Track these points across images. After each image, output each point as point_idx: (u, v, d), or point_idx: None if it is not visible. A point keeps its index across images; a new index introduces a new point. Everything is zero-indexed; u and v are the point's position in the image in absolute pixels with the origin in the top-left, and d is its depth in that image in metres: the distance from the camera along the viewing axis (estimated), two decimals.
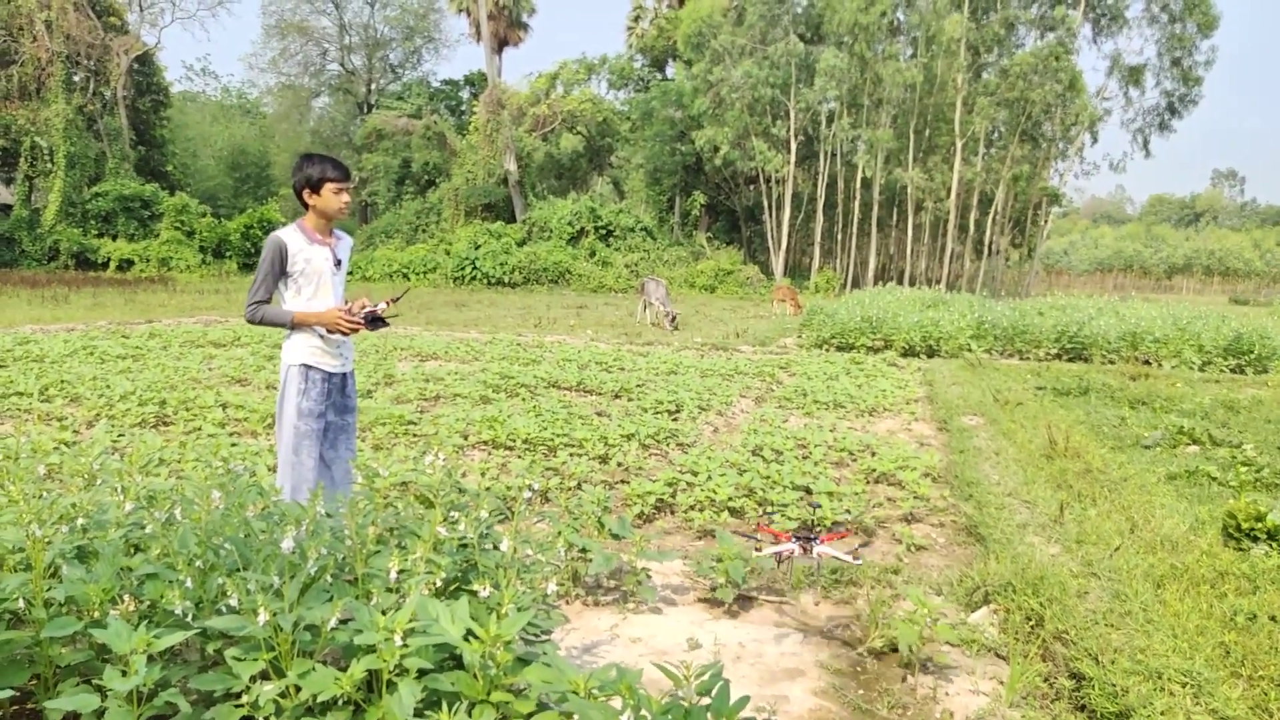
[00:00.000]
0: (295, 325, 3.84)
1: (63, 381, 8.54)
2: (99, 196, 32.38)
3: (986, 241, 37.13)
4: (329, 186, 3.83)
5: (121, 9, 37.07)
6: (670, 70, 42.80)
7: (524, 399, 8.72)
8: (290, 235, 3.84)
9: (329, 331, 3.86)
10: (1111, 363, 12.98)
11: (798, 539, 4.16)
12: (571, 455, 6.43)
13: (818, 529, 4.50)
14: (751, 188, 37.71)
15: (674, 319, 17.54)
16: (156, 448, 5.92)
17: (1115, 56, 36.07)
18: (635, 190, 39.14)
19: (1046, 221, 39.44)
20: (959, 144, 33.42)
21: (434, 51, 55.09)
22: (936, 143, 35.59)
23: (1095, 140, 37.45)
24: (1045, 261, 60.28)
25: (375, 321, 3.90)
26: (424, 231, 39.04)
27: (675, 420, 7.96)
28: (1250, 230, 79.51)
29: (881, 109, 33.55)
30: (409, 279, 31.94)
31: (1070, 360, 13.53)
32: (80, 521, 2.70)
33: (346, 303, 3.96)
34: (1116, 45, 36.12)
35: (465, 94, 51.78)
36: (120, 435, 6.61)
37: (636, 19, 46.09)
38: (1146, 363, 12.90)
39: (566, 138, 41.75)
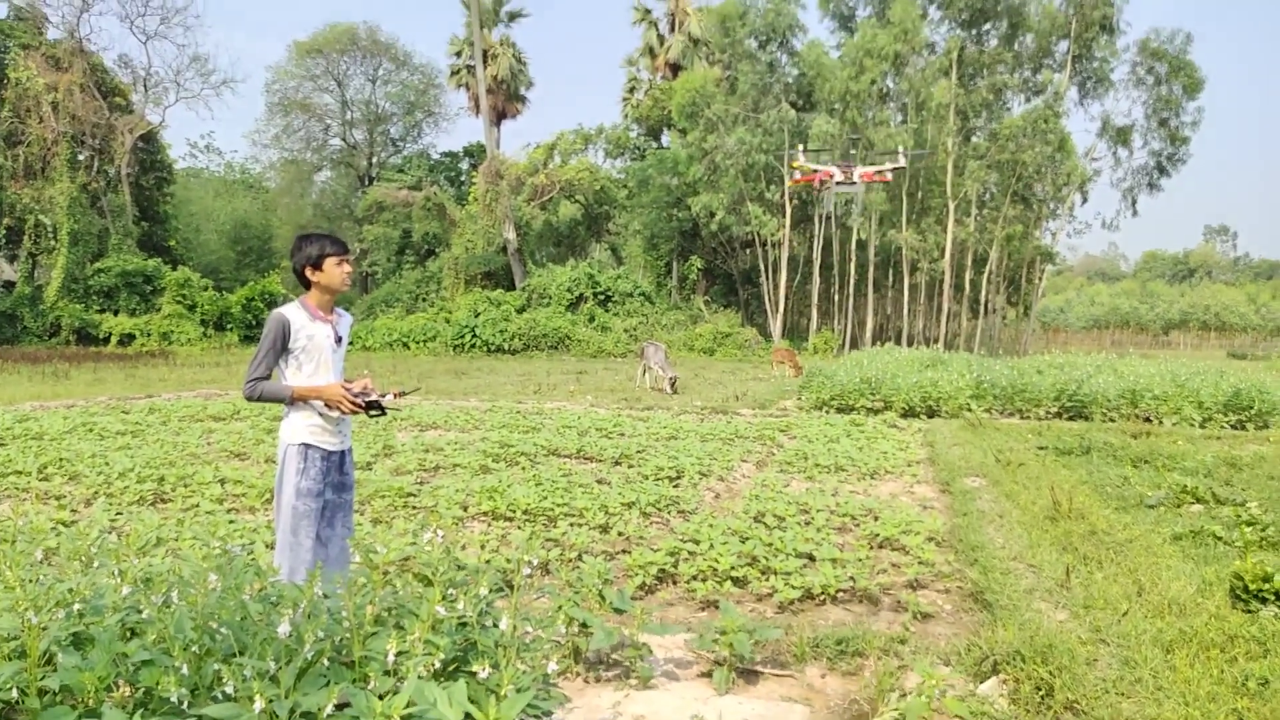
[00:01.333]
0: (295, 400, 3.84)
1: (61, 459, 8.52)
2: (101, 272, 32.71)
3: (982, 300, 37.41)
4: (330, 261, 3.89)
5: (127, 89, 37.94)
6: (665, 139, 43.66)
7: (524, 468, 8.69)
8: (293, 312, 3.88)
9: (328, 407, 3.86)
10: (1112, 420, 12.95)
11: (839, 166, 4.13)
12: (572, 525, 6.39)
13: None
14: (748, 251, 38.14)
15: (674, 382, 17.58)
16: (154, 526, 5.89)
17: (1104, 118, 36.85)
18: (633, 256, 39.60)
19: (1041, 279, 39.80)
20: (951, 205, 33.90)
21: (434, 125, 56.12)
22: (929, 204, 36.08)
23: (1085, 200, 38.04)
24: (1042, 319, 60.59)
25: (374, 407, 3.91)
26: (424, 300, 39.35)
27: (676, 487, 7.92)
28: (1244, 285, 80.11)
29: None
30: (409, 348, 32.07)
31: (1071, 419, 13.51)
32: (76, 606, 2.68)
33: (348, 380, 3.98)
34: (1104, 107, 36.91)
35: (465, 165, 52.73)
36: (118, 514, 6.57)
37: (632, 90, 47.20)
38: (1147, 420, 12.88)
39: (564, 206, 42.37)
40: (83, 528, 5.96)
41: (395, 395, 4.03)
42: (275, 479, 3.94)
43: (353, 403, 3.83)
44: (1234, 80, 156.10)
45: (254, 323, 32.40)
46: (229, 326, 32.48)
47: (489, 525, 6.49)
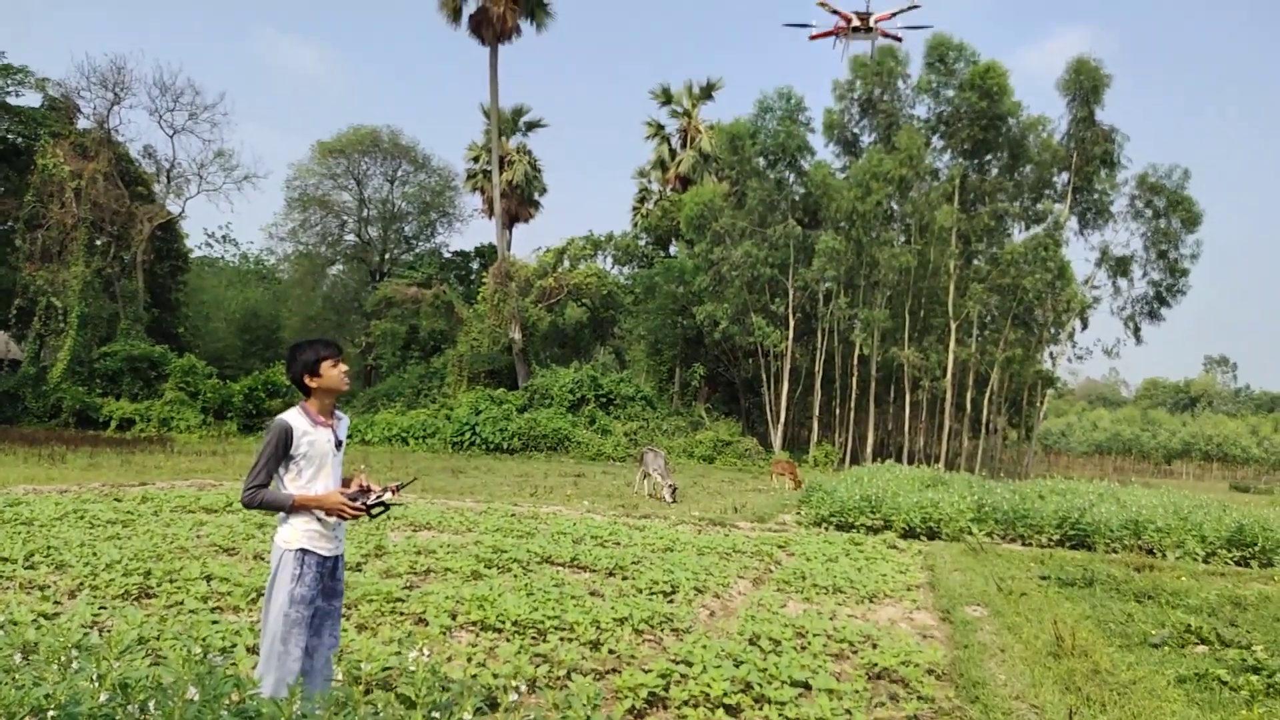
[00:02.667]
0: (295, 510, 3.81)
1: (49, 547, 8.40)
2: (107, 356, 32.93)
3: (984, 420, 37.39)
4: (326, 364, 3.95)
5: (150, 179, 39.00)
6: (673, 248, 44.51)
7: (516, 575, 8.54)
8: (295, 418, 3.90)
9: (327, 515, 3.84)
10: (1115, 551, 12.77)
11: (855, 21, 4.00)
12: (562, 640, 6.24)
13: None
14: (750, 361, 38.39)
15: (674, 491, 17.44)
16: (137, 624, 5.76)
17: (1103, 248, 37.60)
18: (637, 360, 39.88)
19: (1042, 403, 39.86)
20: (953, 325, 34.29)
21: (448, 225, 57.40)
22: (931, 323, 36.50)
23: (1086, 326, 38.50)
24: (1044, 442, 60.46)
25: (376, 506, 3.89)
26: (426, 396, 39.42)
27: (671, 602, 7.76)
28: (1245, 416, 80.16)
29: (877, 290, 34.65)
30: (408, 443, 31.95)
31: (1073, 547, 13.32)
32: (52, 714, 2.61)
33: (346, 482, 3.97)
34: (1103, 237, 37.64)
35: (475, 264, 53.66)
36: (101, 608, 6.44)
37: (642, 200, 48.45)
38: (1150, 552, 12.69)
39: (571, 308, 42.93)
40: (64, 622, 5.83)
41: (393, 490, 4.00)
42: (267, 583, 3.88)
43: (354, 509, 3.81)
44: (1232, 214, 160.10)
45: (255, 412, 32.39)
46: (230, 415, 32.44)
47: (477, 636, 6.34)
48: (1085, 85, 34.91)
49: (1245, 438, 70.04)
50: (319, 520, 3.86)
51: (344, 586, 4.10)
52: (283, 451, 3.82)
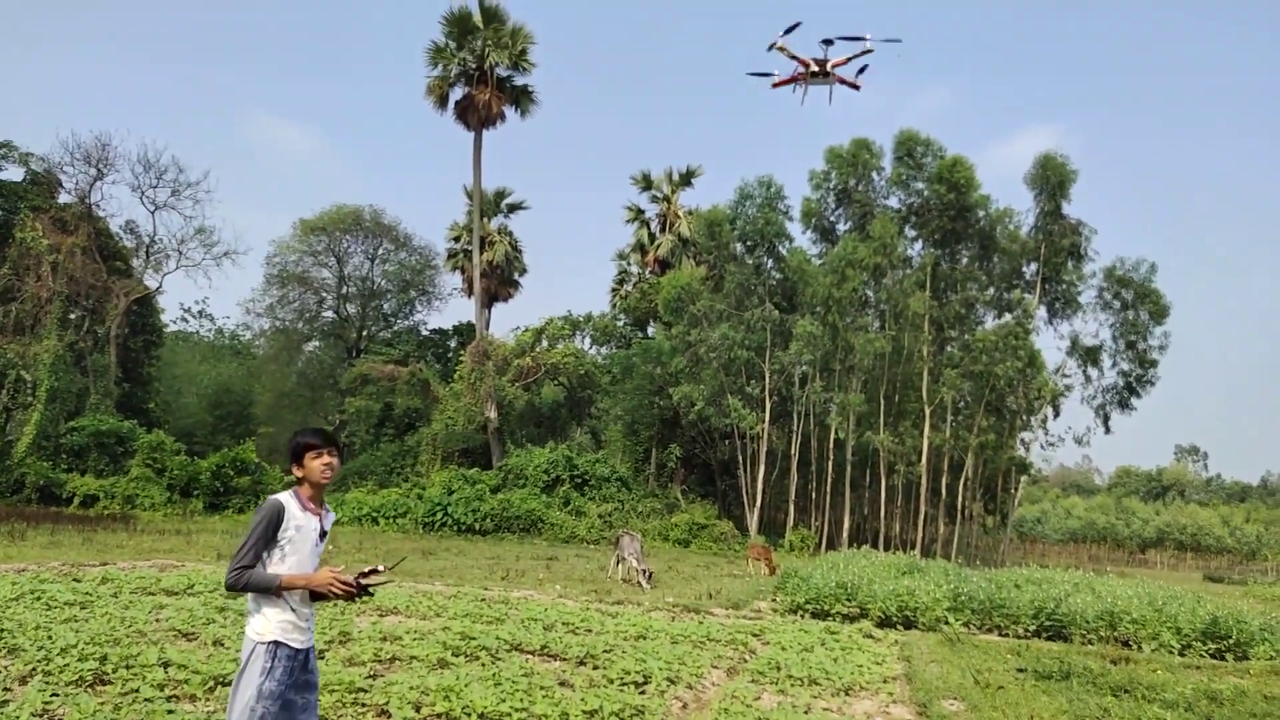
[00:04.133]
0: (281, 590, 3.75)
1: (2, 630, 8.12)
2: (74, 431, 32.36)
3: (959, 506, 37.39)
4: (308, 455, 3.95)
5: (128, 254, 39.01)
6: (651, 329, 44.84)
7: (484, 664, 8.33)
8: (288, 500, 3.88)
9: (315, 597, 3.80)
10: (1090, 643, 12.68)
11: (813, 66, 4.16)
12: None
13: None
14: (727, 443, 38.35)
15: (649, 576, 17.21)
16: (90, 712, 5.56)
17: (1072, 337, 38.30)
18: (613, 440, 39.68)
19: (1017, 489, 40.00)
20: (927, 411, 34.57)
21: (426, 303, 57.53)
22: (906, 408, 36.76)
23: (1058, 414, 38.93)
24: (1019, 529, 60.42)
25: (369, 582, 3.86)
26: (398, 475, 38.93)
27: (642, 693, 7.59)
28: (1217, 505, 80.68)
29: (853, 374, 34.96)
30: (378, 523, 31.39)
31: (1049, 638, 13.22)
32: None
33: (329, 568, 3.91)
34: (1073, 327, 38.39)
35: (453, 342, 53.66)
36: (54, 695, 6.21)
37: (621, 282, 49.02)
38: (1126, 644, 12.61)
39: (548, 388, 42.87)
40: (13, 710, 5.61)
41: (386, 569, 3.98)
42: (236, 675, 3.77)
43: (344, 586, 3.77)
44: (1202, 305, 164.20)
45: (222, 490, 31.72)
46: (196, 493, 31.72)
47: None
48: (1052, 180, 36.05)
49: (1218, 527, 70.38)
50: (293, 611, 3.79)
51: (318, 677, 4.00)
52: (272, 533, 3.77)
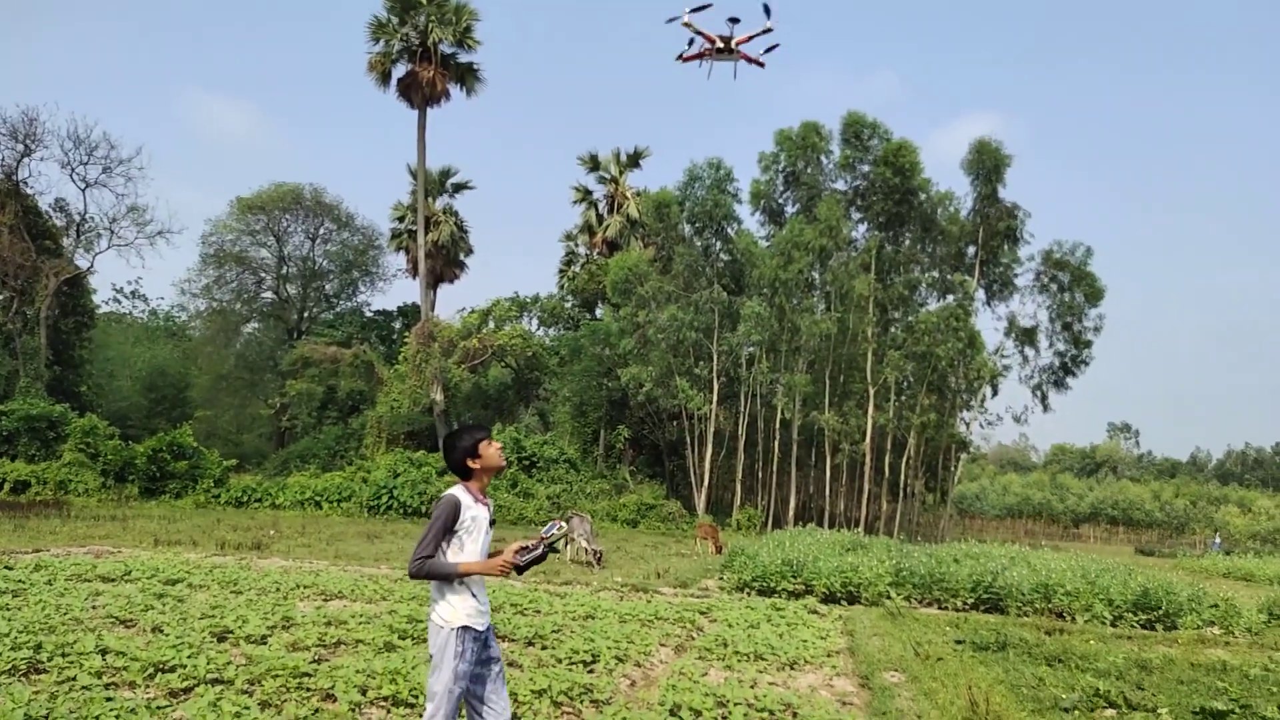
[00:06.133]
0: (461, 576, 4.07)
1: None
2: (4, 415, 31.18)
3: (902, 484, 38.14)
4: (483, 444, 4.25)
5: (58, 233, 37.61)
6: (599, 311, 44.74)
7: None
8: (462, 494, 4.19)
9: (491, 573, 4.10)
10: (1026, 615, 13.06)
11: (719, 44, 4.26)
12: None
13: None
14: (675, 424, 38.55)
15: (599, 557, 17.25)
16: (24, 701, 5.40)
17: (1010, 318, 39.21)
18: (561, 422, 39.60)
19: (957, 467, 40.89)
20: (871, 391, 35.13)
21: (370, 284, 56.57)
22: (851, 389, 37.31)
23: (996, 393, 39.85)
24: (958, 505, 61.85)
25: (540, 557, 4.18)
26: (342, 458, 38.37)
27: (591, 672, 7.62)
28: (1148, 481, 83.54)
29: (799, 355, 35.35)
30: (321, 507, 30.88)
31: (987, 610, 13.58)
32: None
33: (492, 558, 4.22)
34: (1010, 308, 39.31)
35: (398, 324, 52.95)
36: None
37: (569, 263, 48.76)
38: (1060, 616, 13.01)
39: (495, 369, 42.54)
40: None
41: (551, 533, 4.28)
42: (431, 666, 4.11)
43: (504, 564, 4.09)
44: (1135, 287, 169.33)
45: (158, 475, 30.82)
46: (131, 478, 30.78)
47: (389, 712, 6.11)
48: (987, 164, 36.77)
49: (1149, 502, 72.93)
50: (475, 598, 4.14)
51: (498, 649, 4.36)
52: (450, 525, 4.09)
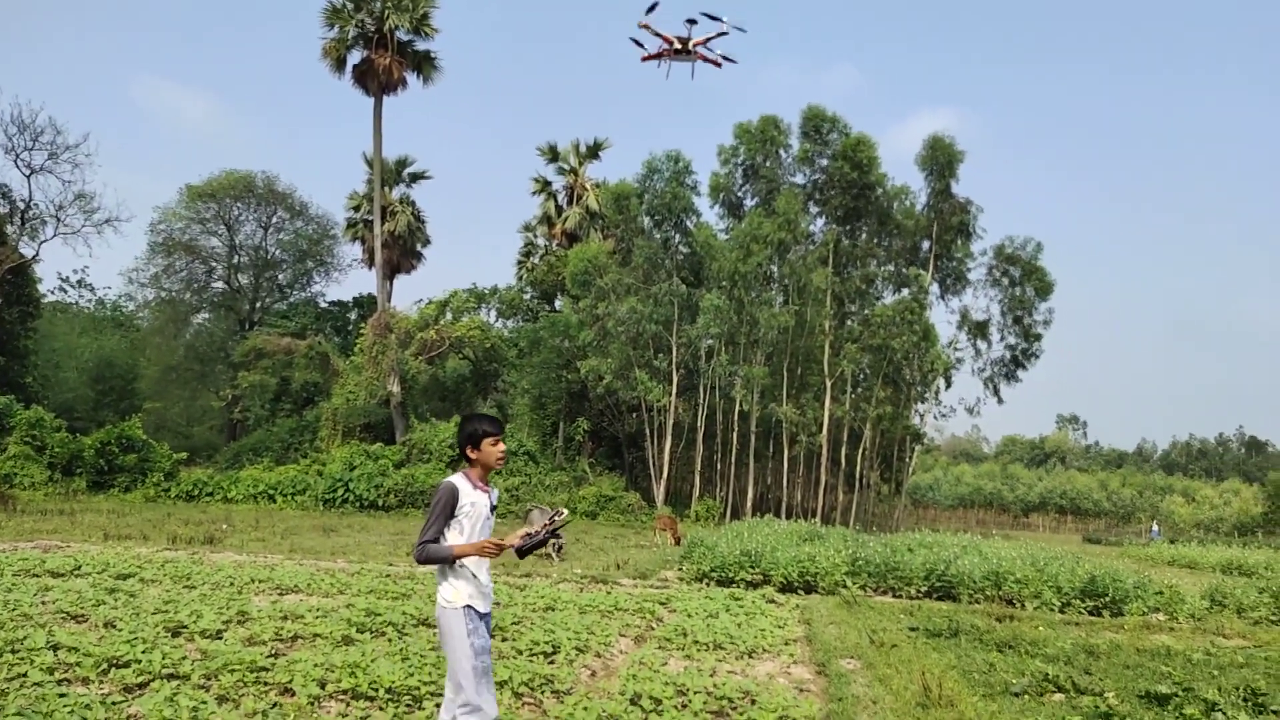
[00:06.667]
0: (457, 558, 4.23)
1: None
2: None
3: (858, 475, 38.63)
4: (486, 441, 4.38)
5: (2, 220, 36.56)
6: (558, 302, 44.60)
7: (390, 639, 8.23)
8: (460, 482, 4.35)
9: (481, 554, 4.25)
10: (978, 602, 13.35)
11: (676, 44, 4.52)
12: (438, 707, 6.04)
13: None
14: (634, 416, 38.64)
15: (560, 549, 17.28)
16: None
17: (963, 312, 39.90)
18: (520, 414, 39.46)
19: (911, 458, 41.55)
20: (828, 383, 35.52)
21: (325, 274, 55.72)
22: (808, 381, 37.68)
23: (949, 385, 40.57)
24: (913, 496, 62.87)
25: (542, 541, 4.46)
26: (296, 450, 37.85)
27: (551, 663, 7.65)
28: (1095, 472, 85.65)
29: (757, 348, 35.60)
30: (275, 501, 30.48)
31: (940, 598, 13.85)
32: None
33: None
34: (963, 302, 40.07)
35: (354, 315, 52.30)
36: None
37: (528, 254, 48.49)
38: (1010, 603, 13.32)
39: (453, 361, 42.24)
40: None
41: (552, 520, 4.53)
42: (445, 646, 4.26)
43: (494, 545, 4.22)
44: (1082, 280, 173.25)
45: (106, 468, 30.14)
46: (79, 471, 30.09)
47: (348, 705, 6.08)
48: (941, 160, 37.36)
49: (1096, 492, 74.79)
50: (477, 579, 4.31)
51: (489, 642, 4.45)
52: (450, 511, 4.26)
